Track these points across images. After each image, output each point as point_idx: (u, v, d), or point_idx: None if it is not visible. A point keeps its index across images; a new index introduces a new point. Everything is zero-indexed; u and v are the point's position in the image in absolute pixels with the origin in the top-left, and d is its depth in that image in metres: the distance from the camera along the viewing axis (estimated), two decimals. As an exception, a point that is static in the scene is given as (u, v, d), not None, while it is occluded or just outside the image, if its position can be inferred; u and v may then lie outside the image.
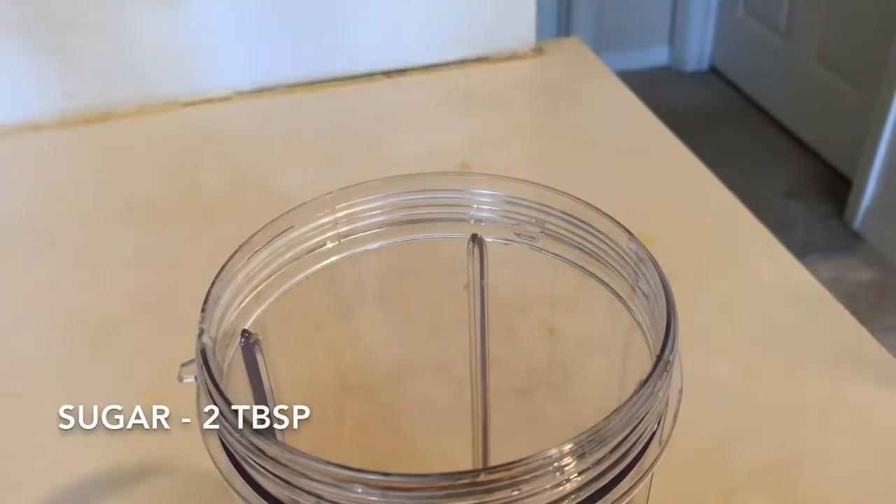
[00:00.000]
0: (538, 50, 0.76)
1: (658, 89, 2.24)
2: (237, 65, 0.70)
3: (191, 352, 0.25)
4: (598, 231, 0.29)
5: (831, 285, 0.50)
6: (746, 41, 2.18)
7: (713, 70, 2.36)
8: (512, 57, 0.75)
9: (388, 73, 0.73)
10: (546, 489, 0.20)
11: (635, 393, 0.21)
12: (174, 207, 0.58)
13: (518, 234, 0.31)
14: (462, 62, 0.74)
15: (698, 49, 2.34)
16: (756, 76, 2.17)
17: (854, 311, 0.47)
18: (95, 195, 0.60)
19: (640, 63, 2.34)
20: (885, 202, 1.64)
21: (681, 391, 0.25)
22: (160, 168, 0.63)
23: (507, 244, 0.32)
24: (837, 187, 1.80)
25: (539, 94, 0.73)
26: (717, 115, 2.16)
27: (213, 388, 0.22)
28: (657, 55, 2.39)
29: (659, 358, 0.22)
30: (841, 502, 0.37)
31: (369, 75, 0.73)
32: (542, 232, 0.30)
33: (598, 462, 0.21)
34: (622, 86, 0.72)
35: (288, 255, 0.30)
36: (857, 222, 1.69)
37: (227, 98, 0.70)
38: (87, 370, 0.45)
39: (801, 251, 1.59)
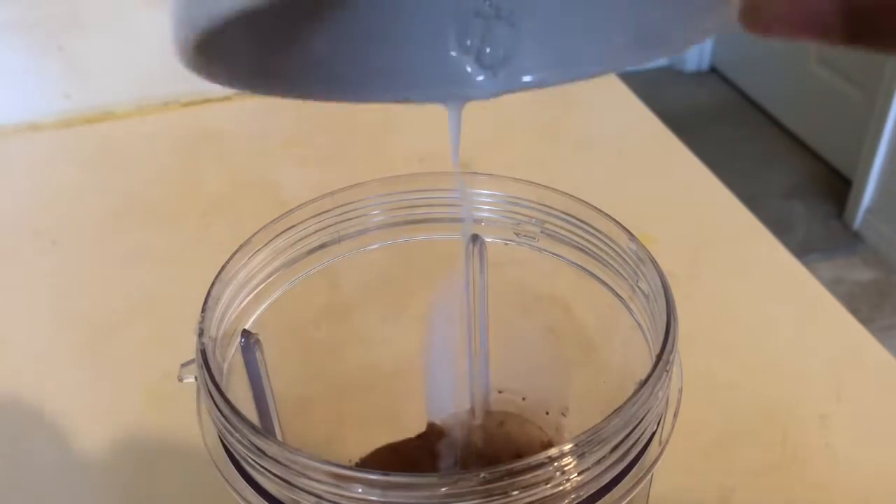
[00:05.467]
0: (538, 50, 0.76)
1: (658, 89, 2.24)
2: (237, 65, 0.69)
3: (191, 352, 0.25)
4: (598, 231, 0.29)
5: (831, 285, 0.50)
6: (746, 41, 2.18)
7: (713, 70, 2.36)
8: (512, 57, 0.75)
9: (388, 73, 0.73)
10: (546, 489, 0.20)
11: (635, 393, 0.21)
12: (174, 207, 0.58)
13: (518, 234, 0.31)
14: (462, 62, 0.74)
15: (698, 49, 2.33)
16: (756, 76, 2.17)
17: (854, 311, 0.47)
18: (95, 195, 0.60)
19: (640, 63, 2.34)
20: (884, 202, 1.64)
21: (681, 391, 0.25)
22: (160, 168, 0.63)
23: (507, 244, 0.32)
24: (837, 187, 1.80)
25: (539, 94, 0.73)
26: (717, 115, 2.16)
27: (213, 388, 0.23)
28: (657, 55, 2.39)
29: (659, 358, 0.22)
30: (841, 502, 0.37)
31: (369, 75, 0.73)
32: (542, 232, 0.30)
33: (598, 462, 0.21)
34: (622, 86, 0.72)
35: (288, 255, 0.30)
36: (857, 222, 1.69)
37: (227, 98, 0.70)
38: (87, 370, 0.45)
39: (801, 251, 1.59)
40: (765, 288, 0.49)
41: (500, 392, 0.36)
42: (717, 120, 2.12)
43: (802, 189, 1.83)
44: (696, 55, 2.35)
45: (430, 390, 0.35)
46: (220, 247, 0.28)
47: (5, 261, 0.53)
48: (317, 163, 0.62)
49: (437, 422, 0.35)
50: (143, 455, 0.40)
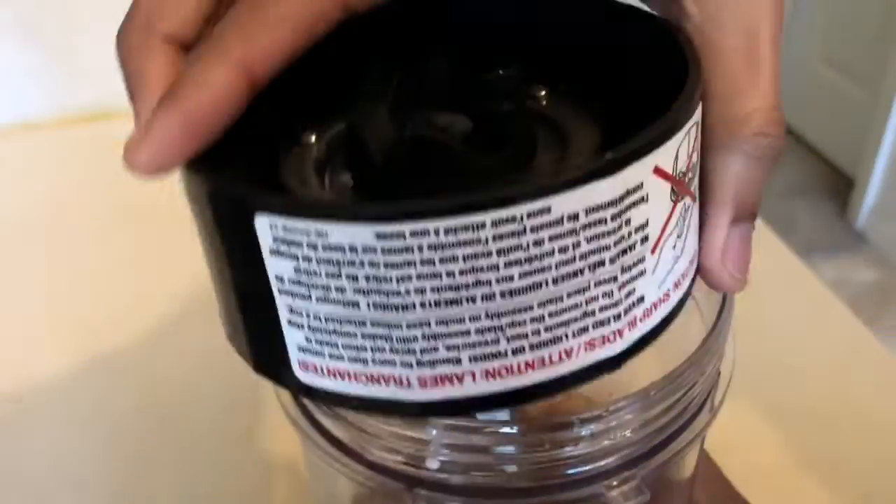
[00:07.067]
0: (539, 49, 0.76)
1: (660, 89, 2.23)
2: (237, 64, 0.69)
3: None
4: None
5: (834, 285, 0.49)
6: (749, 40, 2.18)
7: (716, 69, 2.35)
8: (513, 56, 0.75)
9: (388, 73, 0.73)
10: (597, 442, 0.21)
11: (687, 361, 0.23)
12: (174, 207, 0.58)
13: None
14: (463, 61, 0.74)
15: (701, 48, 2.33)
16: (759, 75, 2.16)
17: (857, 312, 0.47)
18: (95, 195, 0.59)
19: (642, 62, 2.34)
20: (888, 202, 1.64)
21: (734, 361, 0.25)
22: (160, 168, 0.62)
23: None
24: (840, 187, 1.80)
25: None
26: (719, 114, 2.15)
27: None
28: (659, 55, 2.38)
29: (713, 327, 0.25)
30: (842, 503, 0.37)
31: (370, 75, 0.72)
32: None
33: (648, 422, 0.22)
34: (623, 85, 0.71)
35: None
36: (861, 222, 1.69)
37: (227, 98, 0.70)
38: (87, 370, 0.45)
39: (804, 251, 1.58)
40: (766, 288, 0.49)
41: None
42: (720, 119, 2.12)
43: (805, 188, 1.83)
44: (699, 54, 2.34)
45: None
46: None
47: (4, 260, 0.53)
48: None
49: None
50: (141, 454, 0.40)
